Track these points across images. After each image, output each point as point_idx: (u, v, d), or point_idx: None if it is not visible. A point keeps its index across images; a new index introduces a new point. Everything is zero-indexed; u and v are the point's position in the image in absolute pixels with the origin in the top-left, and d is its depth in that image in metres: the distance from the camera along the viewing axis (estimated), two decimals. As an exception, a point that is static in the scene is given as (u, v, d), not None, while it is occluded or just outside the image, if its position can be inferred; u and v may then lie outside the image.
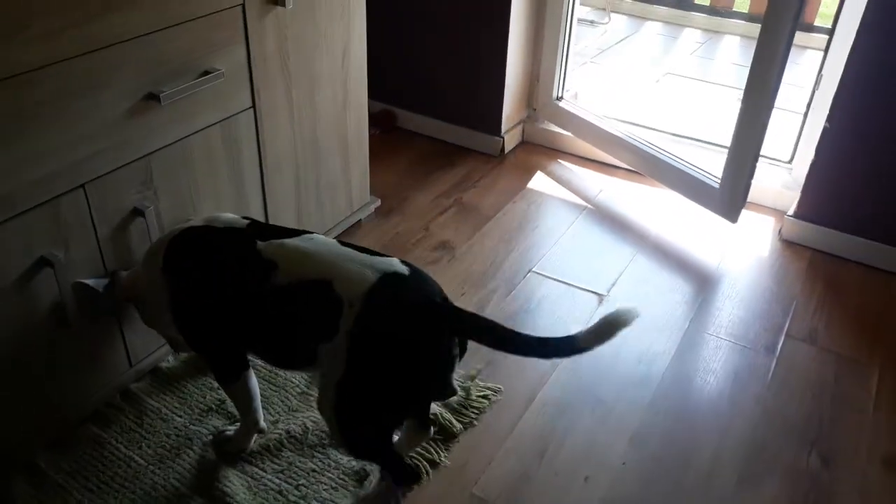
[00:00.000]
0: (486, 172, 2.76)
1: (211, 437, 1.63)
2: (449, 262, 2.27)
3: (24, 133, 1.35)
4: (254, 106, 1.83)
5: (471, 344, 1.88)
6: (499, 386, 1.81)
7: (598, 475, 1.61)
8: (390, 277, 1.29)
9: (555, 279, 2.21)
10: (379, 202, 2.49)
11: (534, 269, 2.25)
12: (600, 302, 2.13)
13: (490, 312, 2.06)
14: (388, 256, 1.36)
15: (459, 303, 2.07)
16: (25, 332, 1.48)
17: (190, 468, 1.56)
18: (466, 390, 1.76)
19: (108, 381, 1.70)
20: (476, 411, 1.73)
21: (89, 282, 1.52)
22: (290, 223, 2.08)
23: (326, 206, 2.23)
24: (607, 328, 1.25)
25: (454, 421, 1.68)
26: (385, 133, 2.98)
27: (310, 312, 1.32)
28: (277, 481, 1.53)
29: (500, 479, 1.59)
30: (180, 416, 1.68)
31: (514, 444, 1.67)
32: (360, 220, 2.43)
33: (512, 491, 1.57)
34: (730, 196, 2.29)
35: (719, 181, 2.31)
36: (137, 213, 1.62)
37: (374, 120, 2.99)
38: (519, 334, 1.29)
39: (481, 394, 1.78)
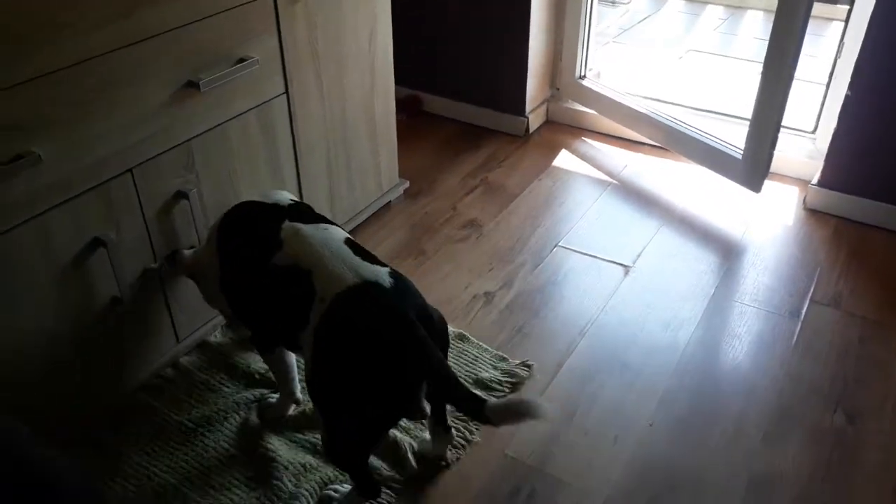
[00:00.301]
0: (511, 152, 2.81)
1: (255, 403, 1.72)
2: (477, 240, 2.33)
3: (79, 120, 1.44)
4: (287, 91, 1.91)
5: (502, 317, 1.95)
6: (529, 363, 1.84)
7: (626, 435, 1.67)
8: (368, 286, 1.26)
9: (581, 252, 2.27)
10: (408, 184, 2.56)
11: (560, 244, 2.31)
12: (626, 273, 2.18)
13: (518, 286, 2.13)
14: (383, 266, 1.33)
15: (487, 277, 2.15)
16: (84, 309, 1.58)
17: (237, 431, 1.66)
18: (502, 371, 1.82)
19: (157, 355, 1.80)
20: (508, 387, 1.78)
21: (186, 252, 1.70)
22: (323, 205, 2.17)
23: (357, 189, 2.31)
24: (515, 410, 1.21)
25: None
26: (412, 118, 3.05)
27: (289, 298, 1.34)
28: (314, 440, 1.62)
29: (532, 440, 1.66)
30: (227, 387, 1.77)
31: (547, 403, 1.73)
32: (390, 201, 2.50)
33: (543, 450, 1.64)
34: (752, 166, 2.32)
35: (742, 152, 2.34)
36: (181, 195, 1.71)
37: (401, 105, 3.05)
38: (459, 387, 1.24)
39: (508, 378, 1.80)
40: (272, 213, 1.52)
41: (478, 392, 1.67)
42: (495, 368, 1.81)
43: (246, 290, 1.50)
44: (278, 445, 1.61)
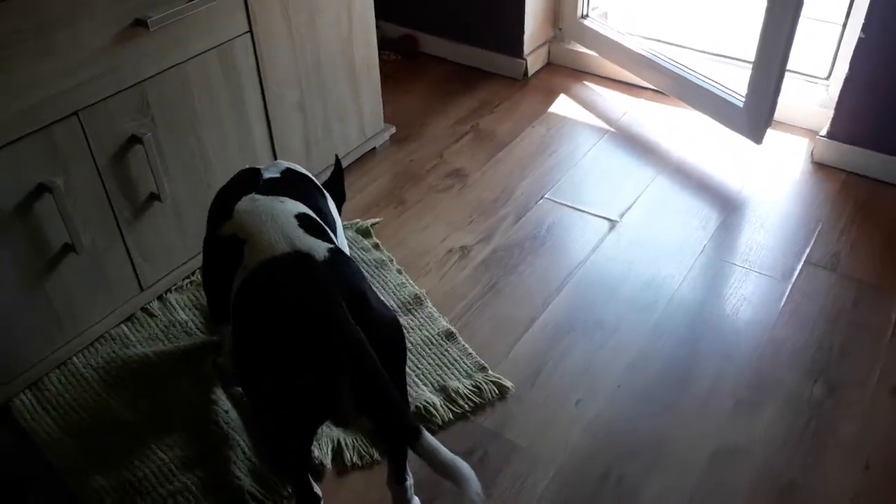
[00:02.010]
0: (507, 97, 2.69)
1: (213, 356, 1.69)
2: (460, 191, 2.24)
3: (4, 62, 1.37)
4: (250, 31, 1.82)
5: (477, 272, 1.86)
6: (507, 385, 1.63)
7: (590, 398, 1.61)
8: (298, 256, 1.14)
9: (567, 205, 2.17)
10: (394, 130, 2.47)
11: (547, 196, 2.21)
12: (612, 228, 2.08)
13: (497, 240, 2.04)
14: (329, 244, 1.20)
15: (466, 231, 2.07)
16: (33, 256, 1.55)
17: (195, 378, 1.64)
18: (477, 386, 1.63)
19: (119, 303, 1.77)
20: (470, 405, 1.59)
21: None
22: (298, 150, 2.09)
23: (336, 134, 2.22)
24: (445, 471, 1.06)
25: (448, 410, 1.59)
26: (407, 58, 2.93)
27: (223, 269, 1.25)
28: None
29: (491, 401, 1.60)
30: (203, 333, 1.76)
31: (509, 366, 1.68)
32: (375, 147, 2.42)
33: (502, 412, 1.58)
34: (754, 115, 2.18)
35: (744, 99, 2.19)
36: (135, 140, 1.65)
37: (396, 45, 2.94)
38: (387, 387, 1.05)
39: (476, 394, 1.62)
40: (246, 184, 1.40)
41: (433, 399, 1.58)
42: (468, 377, 1.64)
43: (203, 261, 1.46)
44: (223, 397, 1.59)
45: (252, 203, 1.28)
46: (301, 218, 1.24)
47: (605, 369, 1.67)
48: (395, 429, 1.08)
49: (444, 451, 1.06)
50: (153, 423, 1.55)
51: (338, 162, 1.73)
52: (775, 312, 1.80)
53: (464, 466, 1.06)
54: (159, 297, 1.84)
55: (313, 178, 1.53)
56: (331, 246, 1.18)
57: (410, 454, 1.17)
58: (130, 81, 1.60)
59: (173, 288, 1.86)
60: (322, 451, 1.49)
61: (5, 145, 1.42)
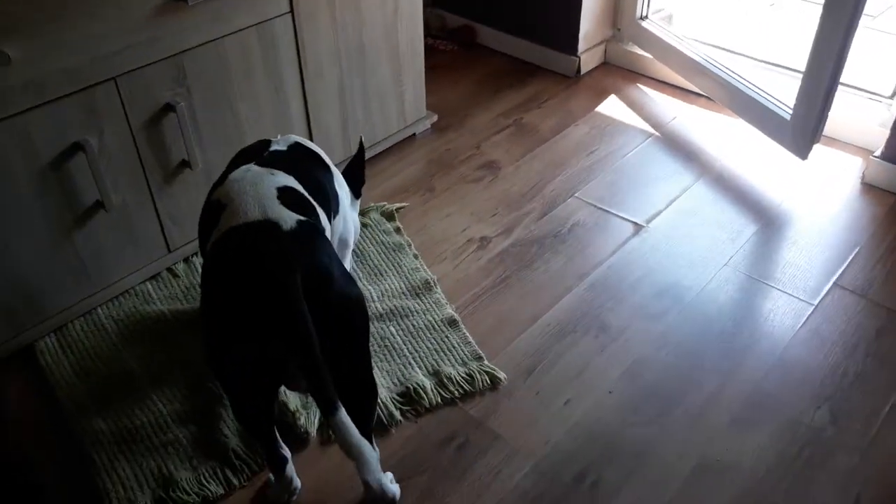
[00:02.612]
0: (556, 93, 2.67)
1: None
2: (490, 182, 2.25)
3: (51, 24, 1.47)
4: (291, 11, 1.88)
5: (491, 264, 1.86)
6: (500, 376, 1.64)
7: (579, 400, 1.60)
8: (266, 224, 1.17)
9: (594, 205, 2.14)
10: (436, 118, 2.49)
11: (577, 194, 2.19)
12: (636, 231, 2.04)
13: (517, 234, 2.05)
14: (302, 217, 1.22)
15: (489, 222, 2.08)
16: (66, 210, 1.66)
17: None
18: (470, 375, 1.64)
19: (146, 261, 1.87)
20: (460, 391, 1.61)
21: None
22: (335, 130, 2.15)
23: (375, 117, 2.26)
24: (352, 448, 1.09)
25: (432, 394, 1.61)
26: (464, 49, 2.94)
27: (204, 233, 1.30)
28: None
29: (481, 390, 1.62)
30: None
31: (506, 359, 1.68)
32: (415, 133, 2.45)
33: (490, 403, 1.59)
34: (801, 129, 2.09)
35: (791, 112, 2.11)
36: (170, 108, 1.73)
37: (454, 35, 2.96)
38: (315, 359, 1.06)
39: (468, 382, 1.63)
40: (251, 155, 1.46)
41: (424, 381, 1.61)
42: (463, 365, 1.65)
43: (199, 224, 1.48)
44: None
45: (244, 173, 1.32)
46: (283, 191, 1.27)
47: (601, 373, 1.65)
48: (316, 399, 1.11)
49: (355, 433, 1.09)
50: (158, 376, 1.64)
51: (361, 146, 1.77)
52: (791, 332, 1.74)
53: (368, 451, 1.10)
54: (185, 260, 1.94)
55: (322, 155, 1.57)
56: (302, 218, 1.20)
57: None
58: (169, 52, 1.68)
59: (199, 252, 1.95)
60: (309, 419, 1.54)
61: (46, 103, 1.53)
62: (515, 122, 2.53)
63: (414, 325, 1.75)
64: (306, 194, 1.32)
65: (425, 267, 1.92)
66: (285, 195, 1.26)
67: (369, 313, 1.75)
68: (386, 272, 1.90)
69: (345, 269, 1.22)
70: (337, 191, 1.50)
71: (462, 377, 1.63)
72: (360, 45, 2.10)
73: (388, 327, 1.74)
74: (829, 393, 1.60)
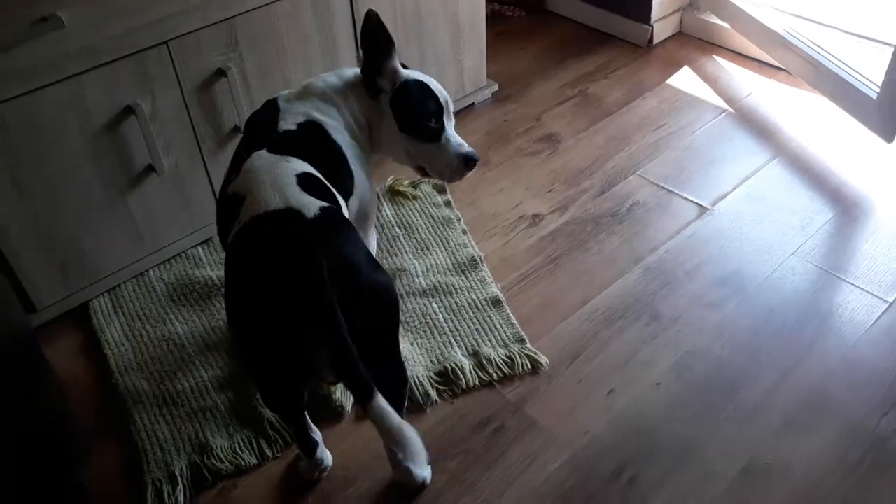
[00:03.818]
0: (625, 63, 2.55)
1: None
2: (548, 156, 2.17)
3: (102, -12, 1.47)
4: (347, -25, 1.83)
5: (542, 243, 1.79)
6: (542, 361, 1.58)
7: (623, 391, 1.53)
8: (289, 213, 1.11)
9: (658, 185, 2.04)
10: (496, 87, 2.42)
11: (639, 172, 2.09)
12: (700, 214, 1.93)
13: (573, 212, 1.97)
14: (325, 203, 1.16)
15: (543, 198, 2.00)
16: (118, 172, 1.68)
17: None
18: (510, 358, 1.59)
19: (199, 224, 1.89)
20: (499, 374, 1.57)
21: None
22: (389, 99, 2.10)
23: (433, 86, 2.20)
24: (391, 437, 1.05)
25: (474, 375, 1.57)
26: (531, 14, 2.84)
27: (227, 224, 1.23)
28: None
29: (521, 375, 1.57)
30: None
31: (549, 343, 1.63)
32: (474, 103, 2.38)
33: (529, 388, 1.55)
34: (888, 109, 1.92)
35: (878, 90, 1.94)
36: (222, 73, 1.72)
37: (520, 1, 2.86)
38: (346, 349, 1.03)
39: (507, 365, 1.58)
40: (260, 137, 1.34)
41: (463, 362, 1.57)
42: (504, 347, 1.60)
43: (216, 215, 1.41)
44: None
45: (257, 161, 1.24)
46: (302, 177, 1.20)
47: (648, 364, 1.58)
48: (349, 386, 1.08)
49: (395, 417, 1.05)
50: (201, 341, 1.66)
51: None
52: (861, 330, 1.62)
53: (411, 434, 1.06)
54: (236, 226, 1.94)
55: (336, 125, 1.40)
56: (325, 205, 1.15)
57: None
58: (221, 16, 1.66)
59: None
60: (345, 394, 1.53)
61: (99, 66, 1.54)
62: (580, 92, 2.43)
63: (457, 303, 1.71)
64: (325, 181, 1.26)
65: (473, 243, 1.87)
66: (305, 181, 1.20)
67: (413, 288, 1.74)
68: (433, 247, 1.86)
69: (371, 255, 1.18)
70: (352, 167, 1.39)
71: (502, 359, 1.59)
72: (417, 11, 2.04)
73: (430, 304, 1.71)
74: (898, 399, 1.49)
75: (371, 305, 1.12)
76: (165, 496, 1.38)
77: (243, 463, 1.44)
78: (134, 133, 1.65)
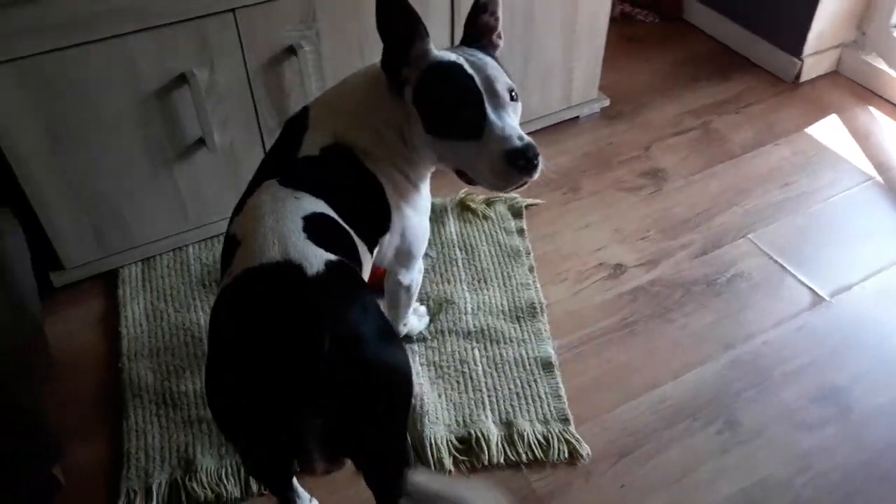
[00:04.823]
0: (762, 98, 2.20)
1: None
2: (649, 195, 1.89)
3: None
4: (451, -41, 1.60)
5: (619, 301, 1.55)
6: (585, 452, 1.35)
7: (673, 511, 1.28)
8: (287, 267, 0.92)
9: (771, 256, 1.73)
10: (607, 102, 2.13)
11: (751, 235, 1.78)
12: (813, 305, 1.62)
13: (663, 270, 1.69)
14: (333, 255, 0.95)
15: (632, 246, 1.74)
16: (166, 142, 1.54)
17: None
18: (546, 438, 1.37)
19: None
20: (528, 457, 1.35)
21: None
22: (481, 101, 1.87)
23: (534, 92, 1.96)
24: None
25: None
26: (666, 22, 2.51)
27: (223, 270, 1.04)
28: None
29: (556, 463, 1.34)
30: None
31: (597, 430, 1.39)
32: (578, 116, 2.11)
33: (562, 483, 1.31)
34: None
35: None
36: (292, 51, 1.54)
37: (655, 5, 2.53)
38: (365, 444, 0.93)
39: (541, 449, 1.35)
40: (274, 164, 1.14)
41: (492, 431, 1.36)
42: (544, 423, 1.38)
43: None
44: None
45: (264, 195, 1.03)
46: (310, 220, 0.99)
47: (709, 485, 1.31)
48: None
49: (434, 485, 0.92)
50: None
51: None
52: None
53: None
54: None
55: (370, 148, 1.14)
56: (331, 258, 0.94)
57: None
58: (301, -13, 1.48)
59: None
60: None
61: (154, 27, 1.39)
62: (702, 125, 2.11)
63: (502, 356, 1.49)
64: (340, 219, 1.04)
65: (538, 285, 1.64)
66: (313, 225, 0.99)
67: (458, 325, 1.52)
68: (491, 281, 1.64)
69: (386, 322, 0.96)
70: (390, 200, 1.16)
71: (537, 439, 1.36)
72: (530, 11, 1.79)
73: (472, 349, 1.50)
74: None
75: (377, 389, 0.91)
76: (136, 513, 1.26)
77: (225, 493, 1.30)
78: (186, 104, 1.50)
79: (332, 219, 1.03)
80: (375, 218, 1.14)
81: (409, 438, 1.05)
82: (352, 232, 1.06)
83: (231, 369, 0.89)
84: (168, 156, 1.56)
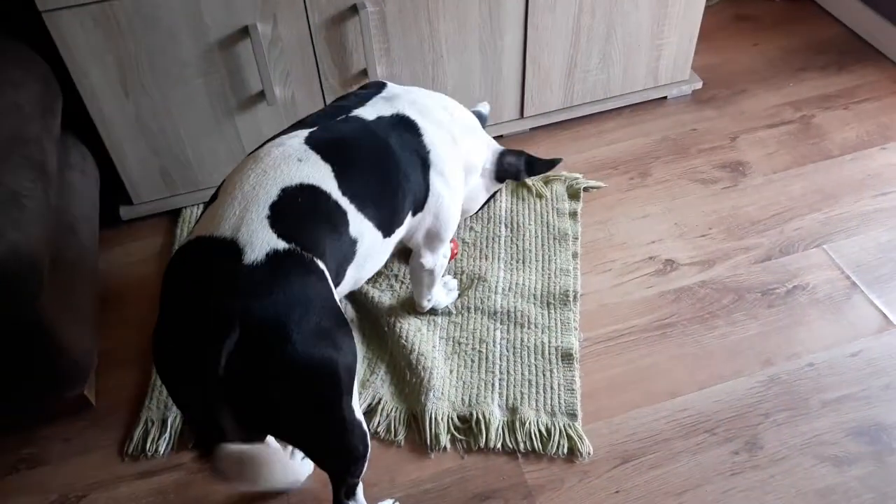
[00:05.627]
0: (881, 95, 1.98)
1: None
2: (722, 190, 1.76)
3: None
4: (529, -79, 1.53)
5: (661, 300, 1.51)
6: (589, 451, 1.31)
7: (665, 527, 1.22)
8: (223, 246, 0.93)
9: (844, 271, 1.58)
10: (700, 84, 2.00)
11: (826, 246, 1.63)
12: (880, 331, 1.47)
13: (718, 272, 1.59)
14: (286, 245, 0.95)
15: (690, 243, 1.64)
16: (229, 92, 1.59)
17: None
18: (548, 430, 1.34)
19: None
20: (523, 450, 1.32)
21: None
22: (557, 70, 1.81)
23: (615, 68, 1.86)
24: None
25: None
26: (789, 1, 2.30)
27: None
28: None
29: (554, 457, 1.32)
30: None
31: (604, 430, 1.34)
32: (667, 96, 2.00)
33: (554, 478, 1.29)
34: None
35: None
36: (355, 10, 1.54)
37: (780, -20, 2.32)
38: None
39: (540, 442, 1.32)
40: (317, 115, 1.19)
41: (494, 415, 1.35)
42: (549, 415, 1.34)
43: None
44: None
45: (273, 149, 1.04)
46: (290, 193, 0.98)
47: (715, 505, 1.25)
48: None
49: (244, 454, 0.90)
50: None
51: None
52: None
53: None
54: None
55: (435, 130, 1.21)
56: (281, 248, 0.93)
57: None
58: (367, -54, 1.47)
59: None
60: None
61: (219, -20, 1.43)
62: (802, 118, 1.93)
63: (522, 340, 1.46)
64: (338, 196, 1.03)
65: (578, 273, 1.59)
66: (288, 199, 0.98)
67: (484, 304, 1.50)
68: (530, 263, 1.60)
69: (327, 318, 0.93)
70: (432, 179, 1.19)
71: (539, 429, 1.34)
72: (614, -22, 1.69)
73: (494, 330, 1.48)
74: None
75: (296, 389, 0.91)
76: (149, 441, 1.36)
77: (236, 434, 1.37)
78: (248, 56, 1.54)
79: (320, 193, 1.02)
80: (406, 194, 1.15)
81: (359, 427, 1.03)
82: (348, 208, 1.05)
83: (158, 337, 0.94)
84: (230, 105, 1.62)
